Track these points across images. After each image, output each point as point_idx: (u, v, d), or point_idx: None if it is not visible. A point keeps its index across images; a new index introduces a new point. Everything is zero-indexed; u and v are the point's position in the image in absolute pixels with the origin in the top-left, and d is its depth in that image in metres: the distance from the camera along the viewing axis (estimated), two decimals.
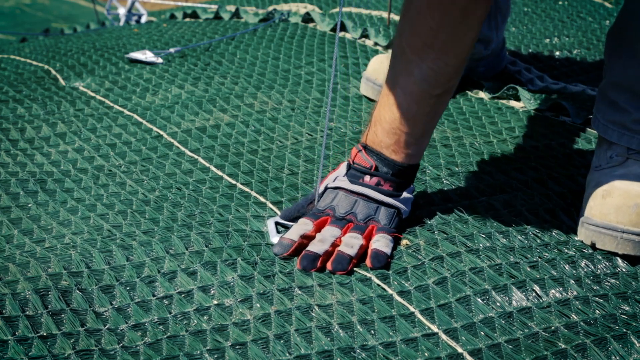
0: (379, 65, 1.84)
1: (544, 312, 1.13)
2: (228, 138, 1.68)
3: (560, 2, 2.80)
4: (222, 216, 1.36)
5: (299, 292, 1.17)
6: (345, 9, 2.79)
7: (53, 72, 2.13)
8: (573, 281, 1.18)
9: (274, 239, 1.29)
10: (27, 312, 1.10)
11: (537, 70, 2.12)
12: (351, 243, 1.24)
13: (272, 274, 1.20)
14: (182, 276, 1.19)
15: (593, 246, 1.27)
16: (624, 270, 1.21)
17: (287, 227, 1.33)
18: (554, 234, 1.29)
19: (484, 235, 1.28)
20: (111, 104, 1.87)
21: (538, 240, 1.28)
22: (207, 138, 1.67)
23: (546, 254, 1.24)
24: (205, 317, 1.12)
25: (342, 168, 1.33)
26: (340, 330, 1.10)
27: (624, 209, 1.26)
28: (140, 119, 1.78)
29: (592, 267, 1.22)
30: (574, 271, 1.21)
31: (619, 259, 1.23)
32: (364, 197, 1.29)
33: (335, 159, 1.58)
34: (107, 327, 1.10)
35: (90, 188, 1.48)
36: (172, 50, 2.21)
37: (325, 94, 1.92)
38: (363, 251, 1.24)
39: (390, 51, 1.79)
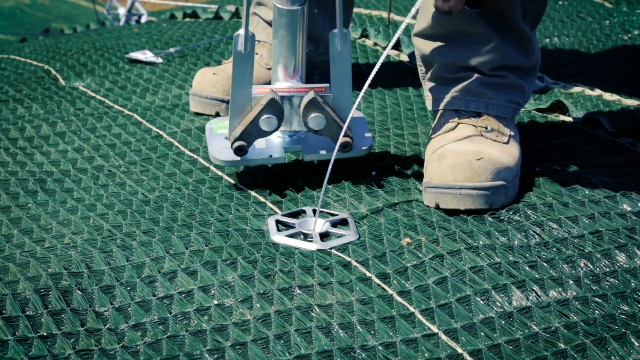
0: (201, 79, 1.80)
1: (544, 311, 1.13)
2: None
3: (560, 2, 2.80)
4: (222, 216, 1.36)
5: (299, 292, 1.17)
6: None
7: (53, 72, 2.13)
8: (572, 281, 1.18)
9: (275, 237, 1.29)
10: (27, 312, 1.10)
11: None
12: None
13: (273, 273, 1.20)
14: (182, 276, 1.19)
15: (437, 207, 1.37)
16: (623, 269, 1.21)
17: (288, 225, 1.33)
18: (552, 233, 1.30)
19: (483, 234, 1.28)
20: (111, 104, 1.88)
21: (537, 239, 1.28)
22: None
23: (545, 254, 1.24)
24: (205, 317, 1.12)
25: None
26: (340, 331, 1.10)
27: (458, 167, 1.35)
28: (140, 119, 1.78)
29: (591, 267, 1.22)
30: (573, 271, 1.21)
31: (618, 258, 1.23)
32: None
33: None
34: (107, 327, 1.10)
35: (90, 188, 1.48)
36: (172, 50, 2.21)
37: None
38: None
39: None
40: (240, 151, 1.39)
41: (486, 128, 1.45)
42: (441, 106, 1.50)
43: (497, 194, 1.36)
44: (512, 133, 1.47)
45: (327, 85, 1.42)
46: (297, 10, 1.39)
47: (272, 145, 1.46)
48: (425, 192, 1.39)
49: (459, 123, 1.46)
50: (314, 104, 1.38)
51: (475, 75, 1.48)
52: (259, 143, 1.45)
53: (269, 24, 1.80)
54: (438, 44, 1.50)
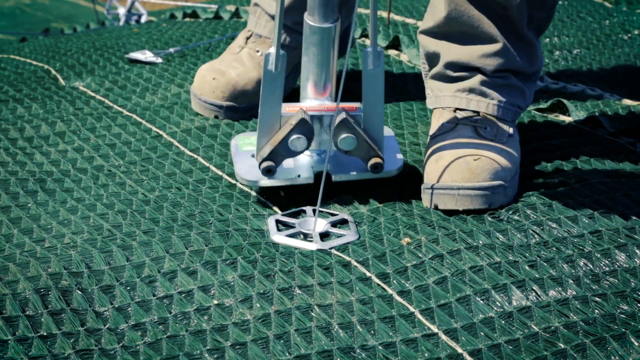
0: (202, 81, 1.79)
1: (544, 311, 1.13)
2: (227, 137, 1.68)
3: (560, 2, 2.80)
4: (222, 216, 1.36)
5: (299, 291, 1.17)
6: None
7: (53, 71, 2.13)
8: (572, 281, 1.18)
9: (275, 237, 1.29)
10: (27, 312, 1.10)
11: None
12: None
13: (273, 273, 1.20)
14: (182, 276, 1.19)
15: (436, 208, 1.37)
16: (622, 268, 1.21)
17: (288, 225, 1.33)
18: (552, 232, 1.30)
19: (483, 233, 1.28)
20: (111, 104, 1.88)
21: (537, 238, 1.28)
22: (207, 137, 1.67)
23: (544, 253, 1.24)
24: (205, 317, 1.12)
25: None
26: (340, 330, 1.10)
27: (455, 168, 1.36)
28: (139, 119, 1.78)
29: (591, 266, 1.22)
30: (573, 270, 1.21)
31: (617, 257, 1.23)
32: None
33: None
34: (107, 326, 1.10)
35: (90, 188, 1.48)
36: (171, 50, 2.21)
37: None
38: None
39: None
40: (268, 172, 1.36)
41: (485, 128, 1.45)
42: (442, 104, 1.50)
43: (496, 194, 1.36)
44: (511, 133, 1.47)
45: (359, 104, 1.39)
46: (329, 28, 1.35)
47: (300, 165, 1.42)
48: (424, 194, 1.39)
49: (457, 124, 1.46)
50: (345, 124, 1.35)
51: (478, 75, 1.48)
52: (287, 162, 1.41)
53: (272, 17, 1.77)
54: (444, 42, 1.50)
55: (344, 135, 1.35)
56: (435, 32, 1.51)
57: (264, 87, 1.34)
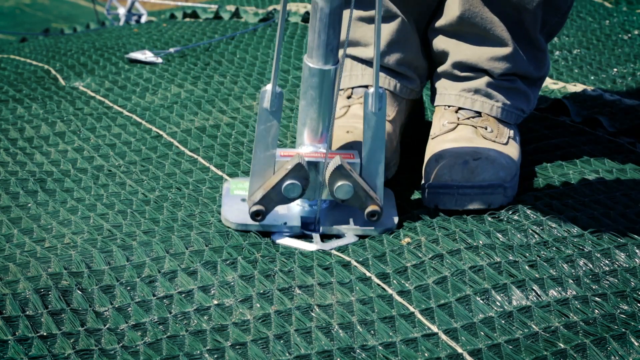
0: None
1: (544, 311, 1.13)
2: (228, 138, 1.68)
3: None
4: None
5: (299, 291, 1.17)
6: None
7: (53, 72, 2.13)
8: (572, 280, 1.18)
9: (275, 237, 1.30)
10: (27, 312, 1.10)
11: None
12: None
13: (273, 273, 1.20)
14: (182, 276, 1.19)
15: (436, 207, 1.36)
16: (622, 268, 1.21)
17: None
18: (552, 232, 1.30)
19: (483, 233, 1.28)
20: (111, 104, 1.88)
21: (537, 238, 1.28)
22: (207, 138, 1.67)
23: (544, 253, 1.24)
24: (205, 317, 1.12)
25: None
26: (340, 330, 1.10)
27: (455, 167, 1.35)
28: (139, 119, 1.78)
29: (591, 266, 1.22)
30: (573, 270, 1.21)
31: (617, 257, 1.23)
32: None
33: None
34: (107, 326, 1.10)
35: (90, 188, 1.48)
36: (171, 50, 2.21)
37: None
38: None
39: None
40: (257, 216, 1.29)
41: (486, 128, 1.45)
42: (446, 102, 1.50)
43: (495, 194, 1.36)
44: (512, 136, 1.47)
45: (356, 152, 1.33)
46: (329, 70, 1.27)
47: (289, 213, 1.35)
48: (424, 193, 1.38)
49: (458, 124, 1.46)
50: (340, 171, 1.28)
51: (485, 77, 1.48)
52: (277, 208, 1.35)
53: (369, 63, 1.54)
54: (454, 41, 1.50)
55: (339, 184, 1.28)
56: (446, 31, 1.50)
57: (259, 127, 1.29)
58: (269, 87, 1.27)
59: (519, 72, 1.49)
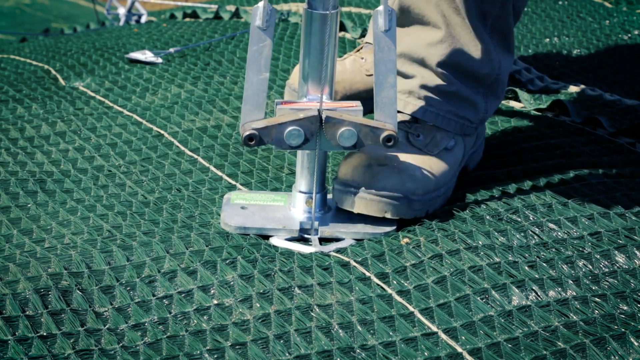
0: (296, 71, 1.72)
1: (543, 310, 1.13)
2: (228, 138, 1.68)
3: (560, 2, 2.80)
4: None
5: (299, 291, 1.17)
6: (345, 9, 2.79)
7: (53, 72, 2.13)
8: (571, 281, 1.18)
9: (274, 239, 1.30)
10: (27, 312, 1.10)
11: (536, 70, 2.12)
12: None
13: (272, 272, 1.20)
14: (182, 276, 1.19)
15: (337, 204, 1.32)
16: (622, 269, 1.21)
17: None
18: (551, 233, 1.30)
19: (482, 234, 1.28)
20: (111, 104, 1.88)
21: (536, 239, 1.28)
22: (207, 138, 1.67)
23: (544, 254, 1.24)
24: (205, 317, 1.12)
25: None
26: (340, 330, 1.10)
27: (358, 169, 1.31)
28: (139, 119, 1.78)
29: (591, 267, 1.22)
30: (572, 271, 1.21)
31: (617, 258, 1.23)
32: None
33: (335, 159, 1.58)
34: (107, 327, 1.10)
35: (89, 189, 1.48)
36: (171, 50, 2.21)
37: None
38: None
39: None
40: (250, 140, 1.23)
41: (418, 136, 1.39)
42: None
43: (397, 205, 1.31)
44: (449, 146, 1.41)
45: (358, 102, 1.29)
46: (328, 15, 1.24)
47: (288, 218, 1.34)
48: (333, 189, 1.34)
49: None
50: (331, 121, 1.24)
51: (420, 76, 1.41)
52: (276, 214, 1.34)
53: None
54: (398, 30, 1.41)
55: (339, 132, 1.24)
56: (399, 22, 1.43)
57: (251, 47, 1.24)
58: (261, 3, 1.23)
59: (461, 64, 1.40)
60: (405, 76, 1.43)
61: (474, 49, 1.40)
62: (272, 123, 1.23)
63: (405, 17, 1.42)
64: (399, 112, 1.39)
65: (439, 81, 1.41)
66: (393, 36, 1.23)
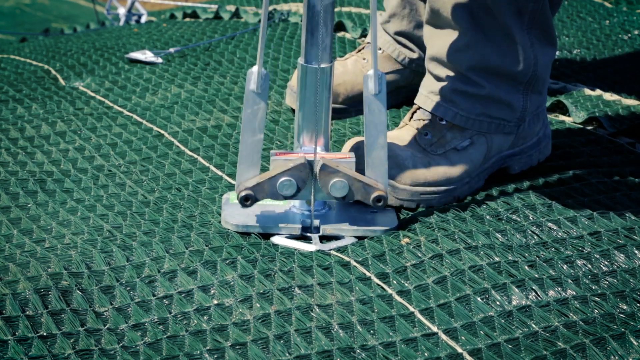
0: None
1: (543, 310, 1.13)
2: (228, 138, 1.68)
3: None
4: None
5: (299, 291, 1.17)
6: (345, 9, 2.79)
7: (53, 72, 2.13)
8: (571, 281, 1.18)
9: (274, 238, 1.30)
10: (27, 312, 1.10)
11: None
12: None
13: (272, 272, 1.20)
14: (182, 276, 1.19)
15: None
16: (622, 269, 1.22)
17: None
18: (551, 233, 1.30)
19: (482, 233, 1.28)
20: (111, 104, 1.88)
21: (536, 238, 1.28)
22: (207, 138, 1.68)
23: (544, 254, 1.25)
24: (205, 317, 1.12)
25: None
26: (340, 330, 1.10)
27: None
28: (139, 119, 1.78)
29: (590, 267, 1.22)
30: (572, 271, 1.21)
31: (617, 258, 1.23)
32: None
33: None
34: (107, 327, 1.10)
35: (89, 189, 1.48)
36: (171, 50, 2.21)
37: None
38: None
39: None
40: (246, 201, 1.26)
41: (426, 135, 1.39)
42: (415, 100, 1.45)
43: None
44: (460, 146, 1.40)
45: (352, 154, 1.31)
46: (323, 69, 1.26)
47: (289, 217, 1.34)
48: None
49: (407, 124, 1.42)
50: (326, 170, 1.26)
51: (451, 80, 1.40)
52: (277, 212, 1.34)
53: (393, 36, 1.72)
54: (430, 30, 1.43)
55: (331, 182, 1.26)
56: (426, 19, 1.44)
57: (245, 110, 1.27)
58: (254, 68, 1.25)
59: (492, 66, 1.39)
60: (437, 78, 1.42)
61: (506, 48, 1.39)
62: (264, 179, 1.27)
63: (437, 18, 1.41)
64: (422, 109, 1.42)
65: (469, 86, 1.40)
66: (383, 99, 1.26)
